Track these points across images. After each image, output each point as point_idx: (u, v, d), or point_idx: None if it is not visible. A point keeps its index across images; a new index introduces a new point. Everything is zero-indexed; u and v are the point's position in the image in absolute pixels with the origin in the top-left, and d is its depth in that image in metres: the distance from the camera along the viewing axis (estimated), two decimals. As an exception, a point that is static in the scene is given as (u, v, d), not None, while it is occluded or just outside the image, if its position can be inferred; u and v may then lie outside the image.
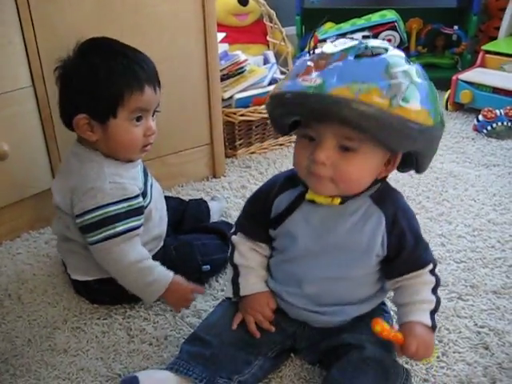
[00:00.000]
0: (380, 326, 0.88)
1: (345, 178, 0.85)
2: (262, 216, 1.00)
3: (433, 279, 0.96)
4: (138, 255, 1.09)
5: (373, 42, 0.84)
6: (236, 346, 0.97)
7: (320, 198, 0.90)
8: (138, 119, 1.09)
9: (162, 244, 1.23)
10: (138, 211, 1.11)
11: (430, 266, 0.96)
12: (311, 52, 0.86)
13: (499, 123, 1.97)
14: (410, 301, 0.95)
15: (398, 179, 1.69)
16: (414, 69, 0.83)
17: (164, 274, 1.10)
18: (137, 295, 1.13)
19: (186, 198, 1.56)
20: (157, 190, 1.23)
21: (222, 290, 1.23)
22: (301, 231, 0.95)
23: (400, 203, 0.95)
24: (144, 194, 1.14)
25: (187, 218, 1.36)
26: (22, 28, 1.27)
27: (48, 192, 1.42)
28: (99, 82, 1.05)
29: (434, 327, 0.94)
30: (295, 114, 0.84)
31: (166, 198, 1.31)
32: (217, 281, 1.26)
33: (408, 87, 0.79)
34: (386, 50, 0.83)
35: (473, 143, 1.97)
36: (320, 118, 0.81)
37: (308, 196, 0.92)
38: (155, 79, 1.11)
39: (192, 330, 1.07)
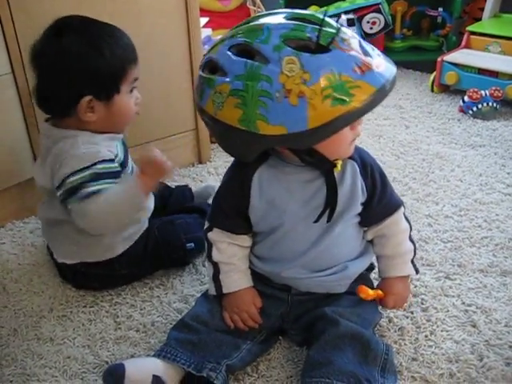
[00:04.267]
0: (364, 294, 0.97)
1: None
2: (241, 204, 0.98)
3: (407, 225, 1.03)
4: (104, 194, 1.05)
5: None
6: (223, 332, 0.97)
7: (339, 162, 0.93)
8: (131, 90, 1.13)
9: (146, 225, 1.22)
10: (114, 174, 1.09)
11: (403, 209, 1.02)
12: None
13: (485, 104, 1.97)
14: (393, 253, 1.03)
15: (384, 161, 1.69)
16: None
17: (127, 178, 1.11)
18: (136, 211, 1.13)
19: (172, 184, 1.55)
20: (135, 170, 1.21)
21: (210, 275, 1.22)
22: (287, 203, 0.95)
23: (360, 149, 0.99)
24: (123, 164, 1.14)
25: (172, 203, 1.35)
26: (-2, 14, 1.24)
27: (32, 180, 1.41)
28: (103, 58, 1.06)
29: (417, 272, 1.05)
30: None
31: None
32: (203, 266, 1.25)
33: None
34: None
35: (459, 124, 1.96)
36: None
37: (339, 167, 0.92)
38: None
39: (179, 316, 1.07)
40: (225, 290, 1.01)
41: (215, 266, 1.02)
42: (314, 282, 0.99)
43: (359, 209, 0.97)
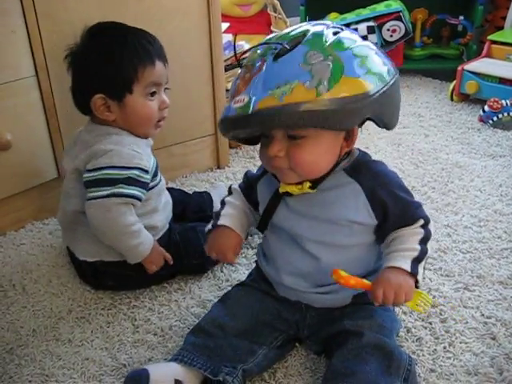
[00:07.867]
0: (336, 275, 0.87)
1: (300, 164, 0.88)
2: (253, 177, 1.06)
3: (422, 231, 0.92)
4: (132, 219, 1.12)
5: (293, 31, 0.87)
6: (239, 336, 0.97)
7: (291, 187, 0.93)
8: (153, 94, 1.14)
9: (166, 228, 1.23)
10: (144, 185, 1.13)
11: (421, 222, 0.93)
12: (239, 64, 0.89)
13: (505, 114, 1.95)
14: (393, 249, 0.92)
15: (403, 170, 1.69)
16: (338, 40, 0.84)
17: (149, 238, 1.16)
18: (123, 254, 1.15)
19: (190, 188, 1.56)
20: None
21: (227, 280, 1.22)
22: (285, 223, 0.98)
23: (377, 171, 0.95)
24: (155, 173, 1.18)
25: (190, 209, 1.36)
26: (24, 18, 1.26)
27: (52, 182, 1.43)
28: (113, 60, 1.09)
29: (413, 274, 0.88)
30: (242, 133, 0.90)
31: (170, 189, 1.33)
32: (221, 271, 1.26)
33: (333, 66, 0.80)
34: (305, 34, 0.85)
35: (478, 134, 1.95)
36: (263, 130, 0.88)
37: (281, 189, 0.95)
38: (163, 54, 1.16)
39: (197, 320, 1.07)
40: (219, 222, 1.03)
41: (222, 205, 1.07)
42: (312, 298, 1.00)
43: (360, 228, 0.94)
